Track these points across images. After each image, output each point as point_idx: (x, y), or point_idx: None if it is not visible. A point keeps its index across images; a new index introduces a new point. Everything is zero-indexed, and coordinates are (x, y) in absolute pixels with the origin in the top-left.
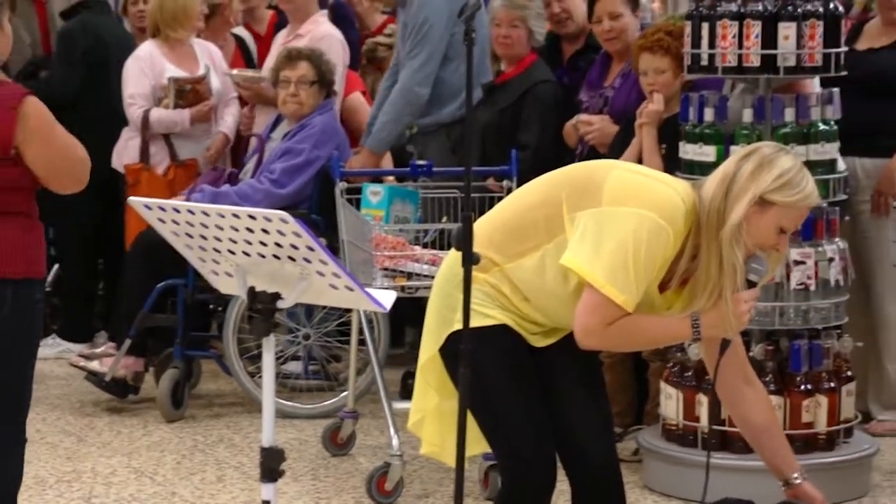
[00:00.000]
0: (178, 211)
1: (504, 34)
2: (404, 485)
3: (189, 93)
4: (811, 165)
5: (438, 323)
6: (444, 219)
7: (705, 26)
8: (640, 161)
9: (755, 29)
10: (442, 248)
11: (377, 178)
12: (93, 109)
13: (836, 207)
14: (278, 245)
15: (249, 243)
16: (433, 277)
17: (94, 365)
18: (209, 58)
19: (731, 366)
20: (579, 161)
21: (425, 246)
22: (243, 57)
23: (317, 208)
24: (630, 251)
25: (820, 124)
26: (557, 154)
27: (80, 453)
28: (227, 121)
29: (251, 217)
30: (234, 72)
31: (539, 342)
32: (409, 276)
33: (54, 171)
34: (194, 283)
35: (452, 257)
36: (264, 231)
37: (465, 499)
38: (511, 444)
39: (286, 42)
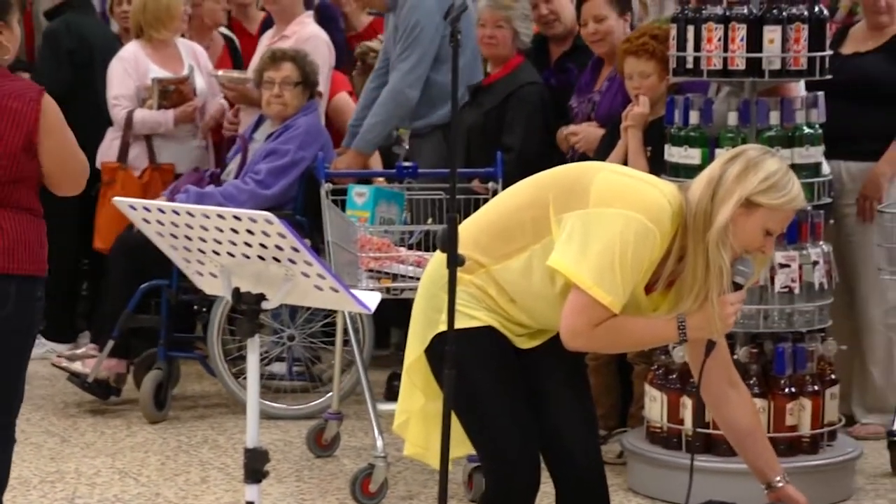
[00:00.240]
0: (163, 211)
1: (489, 34)
2: (388, 486)
3: (173, 93)
4: (796, 169)
5: (424, 324)
6: (430, 220)
7: (691, 29)
8: (625, 163)
9: (740, 32)
10: (427, 250)
11: (365, 178)
12: (77, 110)
13: (821, 211)
14: (263, 246)
15: (234, 244)
16: (418, 279)
17: (77, 366)
18: (194, 58)
19: (715, 368)
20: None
21: (410, 247)
22: (231, 57)
23: (301, 209)
24: (617, 252)
25: (805, 128)
26: (542, 156)
27: (64, 454)
28: (218, 98)
29: (236, 218)
30: (220, 73)
31: (525, 344)
32: (395, 277)
33: (62, 169)
34: (178, 284)
35: (438, 259)
36: (249, 232)
37: (449, 500)
38: (496, 445)
39: (272, 43)
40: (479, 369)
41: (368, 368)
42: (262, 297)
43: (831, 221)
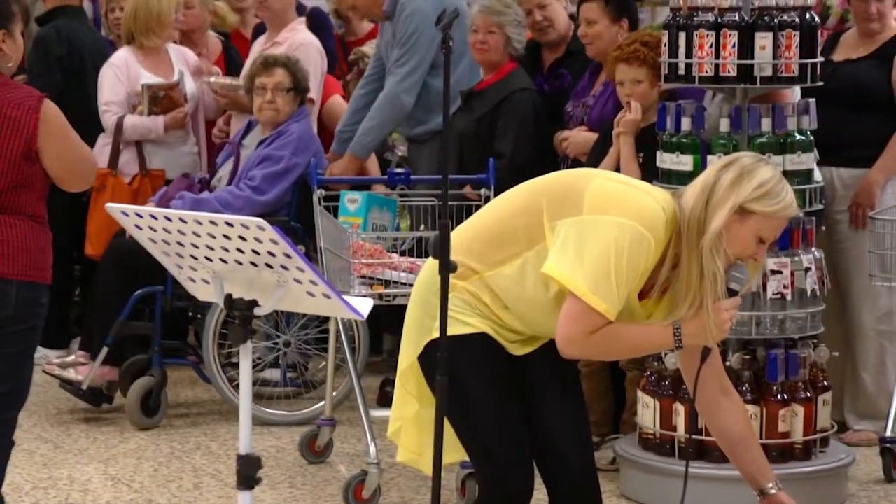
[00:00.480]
0: (155, 217)
1: (481, 40)
2: (381, 493)
3: (163, 99)
4: (787, 175)
5: (417, 331)
6: (422, 226)
7: (682, 36)
8: (617, 169)
9: (732, 39)
10: (420, 256)
11: (360, 184)
12: (68, 116)
13: (813, 217)
14: (255, 252)
15: (227, 250)
16: (411, 285)
17: (70, 373)
18: (185, 63)
19: (707, 376)
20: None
21: (403, 254)
22: (226, 63)
23: (295, 215)
24: (612, 259)
25: (796, 134)
26: (534, 162)
27: (57, 460)
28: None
29: (228, 224)
30: (212, 79)
31: (518, 350)
32: (387, 283)
33: (69, 170)
34: (172, 291)
35: (431, 265)
36: (241, 238)
37: None
38: (488, 451)
39: (264, 49)
40: (472, 375)
41: (361, 375)
42: (254, 303)
43: (823, 228)
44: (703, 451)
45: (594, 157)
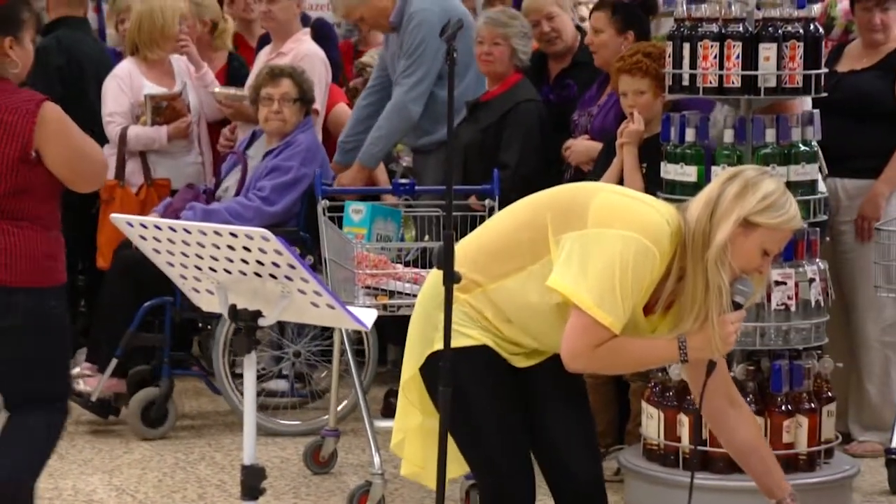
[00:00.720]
0: (159, 228)
1: (486, 51)
2: (385, 503)
3: (166, 109)
4: (792, 186)
5: (419, 343)
6: (426, 237)
7: (686, 47)
8: (621, 180)
9: (736, 50)
10: (424, 267)
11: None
12: None
13: (817, 228)
14: (259, 263)
15: (231, 261)
16: (415, 296)
17: (79, 384)
18: (188, 74)
19: (715, 387)
20: (566, 181)
21: (407, 264)
22: (228, 76)
23: (304, 225)
24: (617, 273)
25: (801, 145)
26: (538, 173)
27: (62, 471)
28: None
29: (233, 234)
30: (217, 89)
31: (521, 363)
32: (391, 294)
33: (73, 172)
34: (181, 302)
35: (434, 277)
36: (246, 248)
37: None
38: (489, 459)
39: (269, 60)
40: (473, 385)
41: (369, 386)
42: (258, 313)
43: (827, 239)
44: (708, 461)
45: (598, 168)
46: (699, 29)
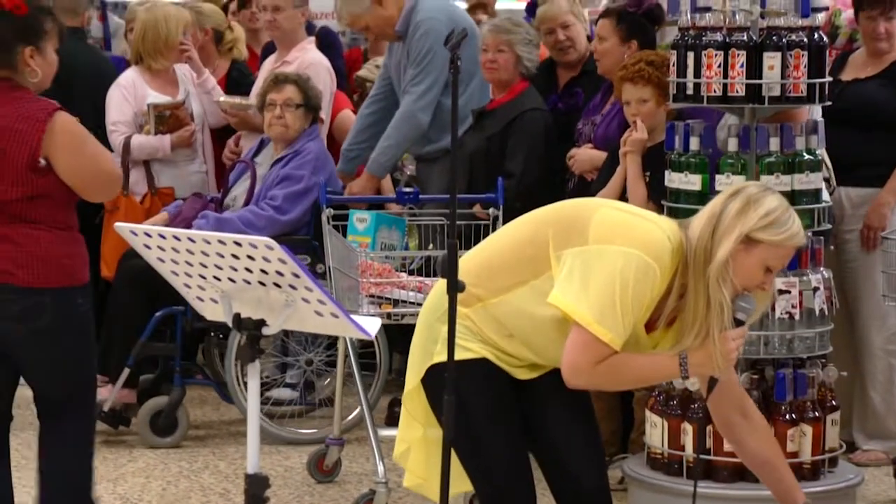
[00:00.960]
0: (163, 237)
1: (490, 59)
2: None
3: (169, 118)
4: (796, 195)
5: (421, 355)
6: (430, 246)
7: (690, 55)
8: (624, 188)
9: (740, 58)
10: (428, 275)
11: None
12: None
13: (821, 237)
14: (263, 272)
15: (235, 269)
16: (419, 304)
17: None
18: (191, 83)
19: (724, 397)
20: (570, 190)
21: (411, 273)
22: (228, 83)
23: (315, 234)
24: (618, 290)
25: (805, 154)
26: (543, 183)
27: None
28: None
29: (237, 244)
30: (222, 98)
31: (523, 375)
32: (395, 302)
33: (84, 182)
34: (192, 311)
35: (437, 289)
36: (250, 257)
37: None
38: (489, 470)
39: (274, 68)
40: (473, 396)
41: (381, 395)
42: (262, 322)
43: (832, 247)
44: (711, 470)
45: (602, 177)
46: (703, 38)
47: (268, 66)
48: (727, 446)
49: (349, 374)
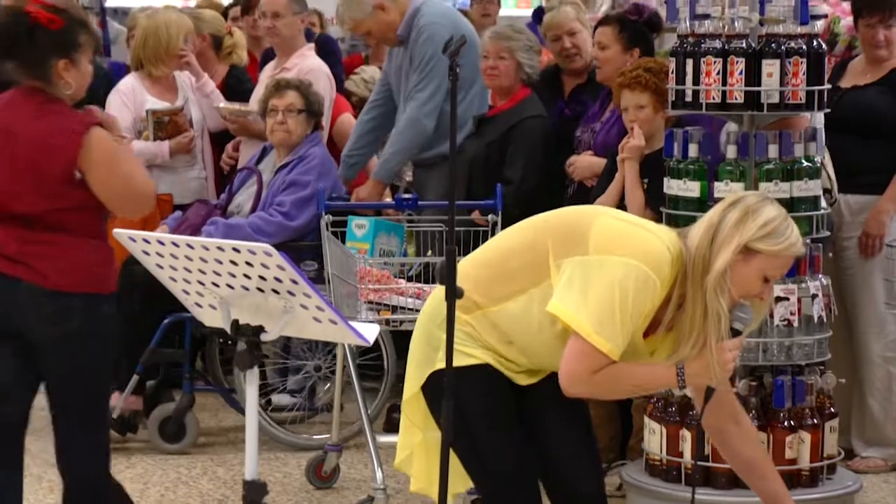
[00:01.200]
0: (162, 243)
1: (491, 65)
2: None
3: (168, 124)
4: (794, 202)
5: (420, 362)
6: (429, 252)
7: (689, 63)
8: (622, 195)
9: (739, 66)
10: (427, 282)
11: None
12: None
13: (820, 244)
14: (262, 278)
15: (233, 276)
16: (418, 311)
17: None
18: (191, 89)
19: (717, 404)
20: (570, 197)
21: (410, 279)
22: (225, 89)
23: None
24: (617, 300)
25: (803, 161)
26: (542, 190)
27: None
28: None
29: (235, 250)
30: (222, 104)
31: (523, 380)
32: (394, 309)
33: (115, 198)
34: None
35: (436, 296)
36: (248, 264)
37: None
38: (490, 472)
39: (273, 75)
40: (474, 400)
41: (367, 400)
42: (260, 328)
43: (830, 254)
44: (710, 477)
45: (602, 184)
46: (702, 45)
47: (267, 73)
48: None
49: (348, 382)
